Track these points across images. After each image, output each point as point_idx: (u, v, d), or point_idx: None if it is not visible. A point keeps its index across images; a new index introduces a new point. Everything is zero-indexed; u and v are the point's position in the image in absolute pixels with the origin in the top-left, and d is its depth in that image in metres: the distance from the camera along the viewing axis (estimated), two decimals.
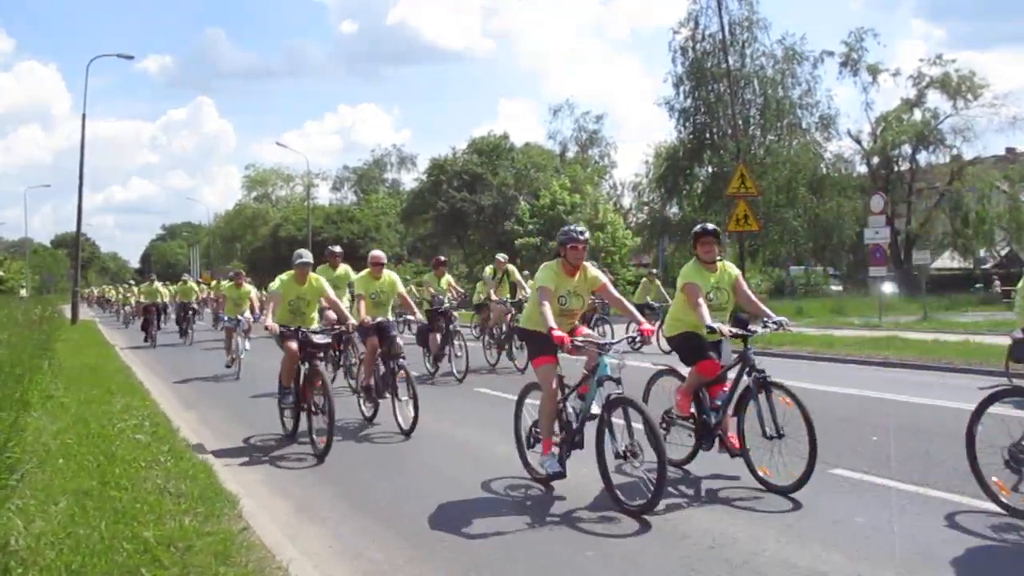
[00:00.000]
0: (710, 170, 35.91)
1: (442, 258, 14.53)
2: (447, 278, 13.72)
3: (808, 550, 4.52)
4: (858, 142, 38.18)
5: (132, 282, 35.49)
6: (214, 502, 5.17)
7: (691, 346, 6.07)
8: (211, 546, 4.30)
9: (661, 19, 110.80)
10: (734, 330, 5.82)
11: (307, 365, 7.56)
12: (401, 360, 8.32)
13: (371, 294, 9.04)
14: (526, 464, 6.16)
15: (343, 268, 11.58)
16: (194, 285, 22.72)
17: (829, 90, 48.20)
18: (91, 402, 9.10)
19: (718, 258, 6.26)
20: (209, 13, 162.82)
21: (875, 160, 37.67)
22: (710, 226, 6.28)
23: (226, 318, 13.97)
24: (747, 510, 5.29)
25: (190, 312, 20.94)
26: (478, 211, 45.31)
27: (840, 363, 13.60)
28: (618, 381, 5.42)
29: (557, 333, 5.44)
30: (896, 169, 37.50)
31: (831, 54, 35.92)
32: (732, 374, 5.92)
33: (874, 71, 36.28)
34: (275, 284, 8.00)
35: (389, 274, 9.28)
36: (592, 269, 6.07)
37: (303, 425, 7.63)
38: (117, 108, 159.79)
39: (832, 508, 5.30)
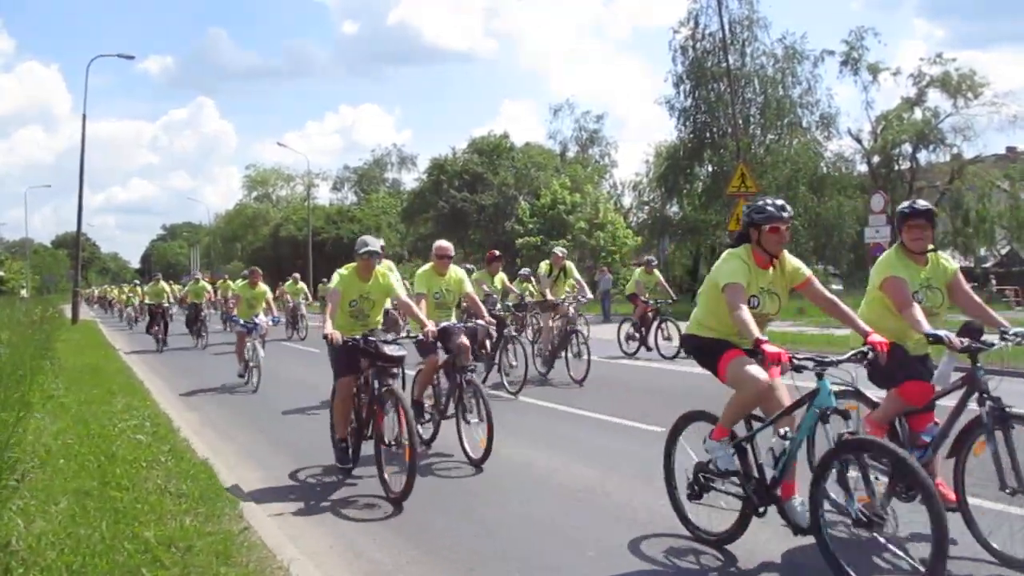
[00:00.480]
0: (710, 169, 35.85)
1: (496, 252, 12.25)
2: (501, 276, 12.02)
3: (811, 548, 4.51)
4: (858, 141, 38.18)
5: (137, 282, 34.52)
6: (215, 502, 5.17)
7: (893, 362, 4.35)
8: (212, 546, 4.30)
9: (661, 19, 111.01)
10: (965, 342, 4.31)
11: (376, 384, 6.04)
12: (470, 373, 6.88)
13: (435, 293, 7.71)
14: (685, 520, 4.74)
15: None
16: (207, 285, 21.25)
17: (829, 89, 48.29)
18: (92, 402, 9.10)
19: (930, 248, 4.78)
20: (210, 13, 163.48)
21: (875, 159, 37.65)
22: (922, 204, 4.76)
23: (240, 321, 12.33)
24: None
25: (202, 314, 19.61)
26: (478, 211, 45.34)
27: None
28: (846, 415, 4.07)
29: (770, 348, 3.94)
30: (896, 168, 37.48)
31: (831, 53, 35.90)
32: (948, 400, 4.51)
33: (874, 70, 36.25)
34: (333, 280, 6.39)
35: (455, 269, 7.93)
36: (792, 259, 4.58)
37: (368, 456, 6.12)
38: (118, 108, 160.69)
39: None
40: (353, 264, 6.46)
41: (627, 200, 50.22)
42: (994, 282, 34.79)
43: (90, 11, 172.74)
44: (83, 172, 32.10)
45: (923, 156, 36.85)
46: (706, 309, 4.65)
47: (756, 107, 35.04)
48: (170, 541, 4.33)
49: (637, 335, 14.50)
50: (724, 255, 4.57)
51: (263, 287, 12.82)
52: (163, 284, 20.74)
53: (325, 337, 5.94)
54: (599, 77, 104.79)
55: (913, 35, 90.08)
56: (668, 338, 14.03)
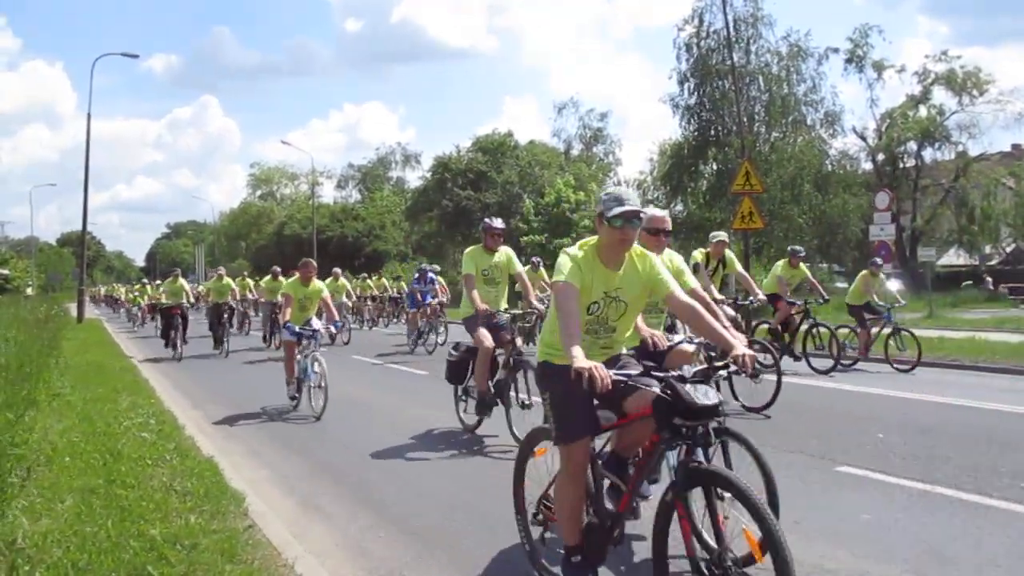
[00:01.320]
0: (715, 167, 35.84)
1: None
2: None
3: (813, 547, 4.50)
4: (863, 139, 38.15)
5: (145, 281, 33.19)
6: (220, 500, 5.17)
7: None
8: (217, 544, 4.30)
9: (662, 19, 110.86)
10: None
11: (672, 460, 3.36)
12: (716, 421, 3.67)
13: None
14: None
15: (504, 252, 7.79)
16: (230, 281, 18.92)
17: (834, 87, 48.00)
18: (97, 400, 9.11)
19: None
20: (214, 12, 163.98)
21: (880, 157, 37.60)
22: None
23: (295, 328, 9.60)
24: None
25: (225, 315, 17.42)
26: (483, 209, 45.25)
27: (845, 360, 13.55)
28: None
29: None
30: (901, 166, 37.47)
31: (836, 51, 35.89)
32: None
33: (879, 68, 36.23)
34: (563, 268, 3.59)
35: (669, 255, 5.27)
36: None
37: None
38: (122, 107, 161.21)
39: (837, 505, 5.29)
40: (591, 241, 3.72)
41: None
42: (990, 280, 34.70)
43: (94, 10, 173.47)
44: (88, 171, 32.26)
45: (928, 154, 36.87)
46: None
47: (761, 105, 35.03)
48: (175, 539, 4.34)
49: (777, 343, 11.54)
50: None
51: (318, 284, 10.22)
52: (182, 281, 17.75)
53: (580, 374, 3.17)
54: (600, 76, 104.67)
55: (916, 32, 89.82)
56: (821, 347, 12.20)
